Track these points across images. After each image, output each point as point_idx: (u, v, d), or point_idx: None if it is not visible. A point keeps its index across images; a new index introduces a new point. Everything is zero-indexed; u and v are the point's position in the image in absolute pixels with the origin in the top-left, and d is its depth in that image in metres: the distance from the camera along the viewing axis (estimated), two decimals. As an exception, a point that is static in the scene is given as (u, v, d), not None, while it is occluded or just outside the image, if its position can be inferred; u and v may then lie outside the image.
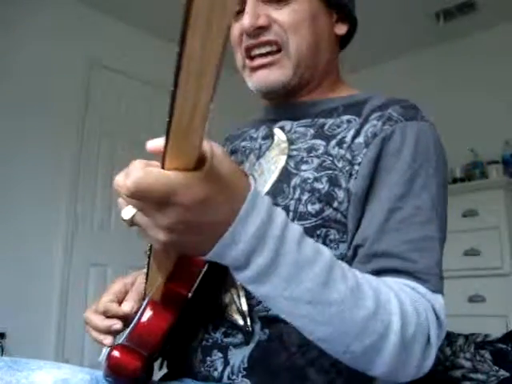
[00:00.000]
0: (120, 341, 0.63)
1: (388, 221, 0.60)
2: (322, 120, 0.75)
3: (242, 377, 0.63)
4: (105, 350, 0.66)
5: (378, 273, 0.58)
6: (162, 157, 0.41)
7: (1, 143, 2.74)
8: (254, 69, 0.76)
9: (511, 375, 1.14)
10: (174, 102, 0.33)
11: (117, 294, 0.71)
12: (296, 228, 0.49)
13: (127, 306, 0.68)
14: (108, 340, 0.66)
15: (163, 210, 0.42)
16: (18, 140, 2.80)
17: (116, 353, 0.58)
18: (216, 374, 0.64)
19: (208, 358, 0.66)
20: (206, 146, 0.42)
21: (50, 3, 3.02)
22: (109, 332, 0.66)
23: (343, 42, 0.86)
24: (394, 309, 0.51)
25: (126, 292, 0.72)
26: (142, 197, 0.41)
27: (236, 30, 0.76)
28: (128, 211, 0.45)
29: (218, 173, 0.43)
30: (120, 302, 0.70)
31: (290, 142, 0.74)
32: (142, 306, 0.63)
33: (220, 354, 0.65)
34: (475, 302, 2.80)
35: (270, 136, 0.78)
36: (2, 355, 2.43)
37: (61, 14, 3.08)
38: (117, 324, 0.66)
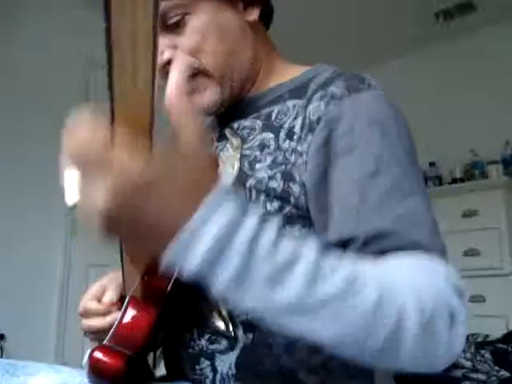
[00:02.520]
0: (104, 341, 0.62)
1: (366, 202, 0.53)
2: (267, 109, 0.70)
3: (234, 382, 0.61)
4: (87, 354, 0.65)
5: (382, 253, 0.50)
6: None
7: (0, 143, 2.73)
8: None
9: (511, 375, 1.14)
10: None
11: (95, 294, 0.70)
12: (272, 225, 0.40)
13: (106, 297, 0.67)
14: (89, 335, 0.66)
15: (97, 183, 0.35)
16: (18, 140, 2.80)
17: (98, 354, 0.56)
18: (208, 381, 0.63)
19: (197, 367, 0.64)
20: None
21: (50, 3, 3.02)
22: (90, 331, 0.67)
23: (265, 21, 0.78)
24: (402, 289, 0.43)
25: (104, 291, 0.70)
26: (73, 150, 0.36)
27: None
28: (72, 173, 0.37)
29: (178, 153, 0.37)
30: (99, 300, 0.69)
31: (242, 140, 0.70)
32: (123, 306, 0.62)
33: (208, 362, 0.63)
34: (475, 302, 2.80)
35: (223, 137, 0.75)
36: (1, 357, 2.43)
37: (61, 14, 3.08)
38: (94, 321, 0.66)
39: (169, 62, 0.68)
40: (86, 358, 0.64)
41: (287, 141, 0.63)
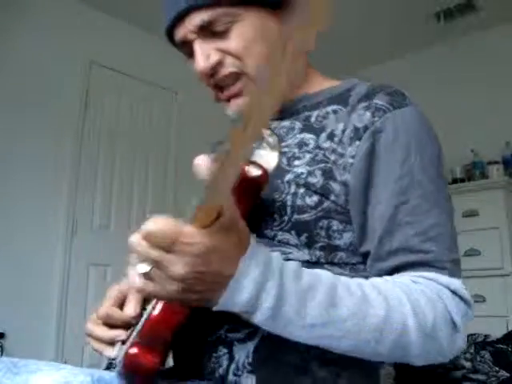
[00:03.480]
0: (131, 339, 0.62)
1: (397, 216, 0.61)
2: (306, 113, 0.74)
3: (247, 372, 0.63)
4: (117, 351, 0.64)
5: (397, 269, 0.60)
6: (194, 216, 0.49)
7: (1, 143, 2.74)
8: (227, 100, 0.76)
9: (511, 376, 1.14)
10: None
11: (117, 299, 0.69)
12: (293, 265, 0.54)
13: (131, 309, 0.66)
14: (109, 352, 0.64)
15: (174, 259, 0.48)
16: (18, 140, 2.80)
17: (134, 350, 0.57)
18: (221, 370, 0.64)
19: (214, 354, 0.65)
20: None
21: (50, 3, 3.02)
22: (112, 343, 0.65)
23: None
24: (405, 307, 0.55)
25: (124, 297, 0.70)
26: (153, 240, 0.48)
27: (196, 70, 0.75)
28: (144, 267, 0.50)
29: (228, 228, 0.50)
30: (121, 307, 0.68)
31: (280, 139, 0.73)
32: (153, 302, 0.62)
33: (225, 350, 0.64)
34: (475, 303, 2.78)
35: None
36: (1, 355, 2.43)
37: (61, 14, 3.08)
38: (122, 335, 0.64)
39: (216, 64, 0.72)
40: (116, 355, 0.63)
41: (328, 141, 0.68)
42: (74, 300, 2.94)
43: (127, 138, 3.37)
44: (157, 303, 0.61)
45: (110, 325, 0.66)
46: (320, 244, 0.65)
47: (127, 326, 0.66)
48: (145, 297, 0.69)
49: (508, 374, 1.15)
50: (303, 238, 0.64)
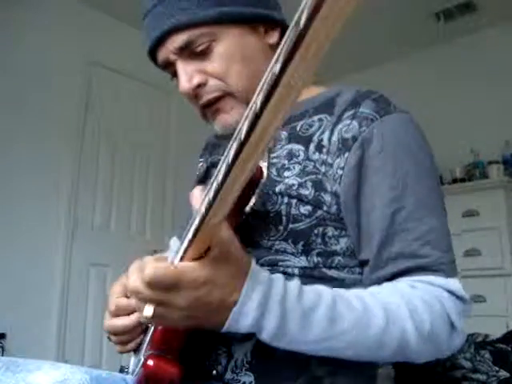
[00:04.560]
0: (142, 351, 0.63)
1: (393, 224, 0.63)
2: (292, 124, 0.74)
3: (246, 370, 0.64)
4: (133, 361, 0.65)
5: (396, 274, 0.63)
6: (183, 249, 0.51)
7: (1, 143, 2.74)
8: (213, 117, 0.78)
9: (511, 376, 1.14)
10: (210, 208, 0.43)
11: (122, 290, 0.72)
12: (293, 285, 0.56)
13: None
14: (131, 345, 0.68)
15: (176, 295, 0.51)
16: (18, 140, 2.80)
17: (151, 362, 0.58)
18: (220, 368, 0.65)
19: (213, 352, 0.66)
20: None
21: (50, 3, 3.02)
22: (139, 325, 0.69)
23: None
24: (404, 315, 0.58)
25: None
26: (155, 287, 0.50)
27: (180, 89, 0.77)
28: (149, 309, 0.52)
29: (223, 257, 0.52)
30: (127, 297, 0.71)
31: (269, 149, 0.73)
32: None
33: (224, 349, 0.66)
34: (475, 303, 2.80)
35: None
36: (2, 356, 2.43)
37: (61, 14, 3.08)
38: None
39: (198, 86, 0.74)
40: (132, 365, 0.64)
41: (316, 153, 0.69)
42: (75, 300, 2.94)
43: (127, 138, 3.37)
44: None
45: (125, 315, 0.70)
46: (317, 250, 0.66)
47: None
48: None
49: (508, 374, 1.15)
50: (300, 246, 0.66)
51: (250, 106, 0.36)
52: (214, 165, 0.86)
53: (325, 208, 0.66)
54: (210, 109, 0.77)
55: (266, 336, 0.55)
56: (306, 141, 0.71)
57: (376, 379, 0.69)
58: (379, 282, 0.64)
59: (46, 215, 2.90)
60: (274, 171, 0.70)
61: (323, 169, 0.67)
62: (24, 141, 2.82)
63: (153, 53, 0.77)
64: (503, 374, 1.13)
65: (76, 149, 3.08)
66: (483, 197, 2.95)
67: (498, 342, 1.30)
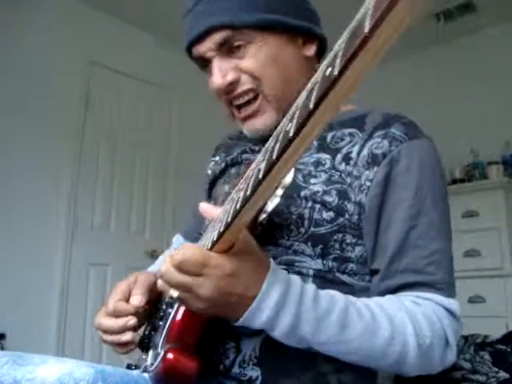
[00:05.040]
0: (160, 344, 0.64)
1: (407, 239, 0.67)
2: (322, 133, 0.76)
3: (253, 365, 0.66)
4: (150, 356, 0.67)
5: (402, 287, 0.67)
6: (211, 243, 0.55)
7: (1, 143, 2.74)
8: (244, 119, 0.79)
9: (511, 376, 1.14)
10: (242, 208, 0.47)
11: (123, 293, 0.73)
12: (310, 289, 0.60)
13: (135, 300, 0.71)
14: (127, 336, 0.69)
15: (201, 281, 0.54)
16: (18, 140, 2.80)
17: (171, 355, 0.60)
18: (227, 361, 0.67)
19: (221, 347, 0.68)
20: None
21: (50, 3, 3.02)
22: (124, 330, 0.69)
23: (320, 55, 0.87)
24: (408, 329, 0.61)
25: (131, 290, 0.74)
26: (184, 268, 0.54)
27: (211, 85, 0.79)
28: (175, 291, 0.57)
29: (246, 252, 0.56)
30: (127, 300, 0.72)
31: None
32: (175, 307, 0.65)
33: (232, 343, 0.68)
34: (475, 303, 2.80)
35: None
36: (1, 355, 2.43)
37: (61, 14, 3.08)
38: (131, 320, 0.69)
39: (231, 83, 0.75)
40: (150, 360, 0.66)
41: (343, 164, 0.72)
42: (75, 300, 2.94)
43: (127, 137, 3.37)
44: (178, 310, 0.64)
45: (118, 317, 0.71)
46: (333, 255, 0.70)
47: (134, 315, 0.71)
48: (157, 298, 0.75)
49: (508, 375, 1.14)
50: (318, 249, 0.69)
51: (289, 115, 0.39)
52: (233, 163, 0.88)
53: (347, 216, 0.70)
54: (241, 111, 0.78)
55: (278, 333, 0.58)
56: (334, 151, 0.74)
57: (377, 377, 0.72)
58: (386, 291, 0.68)
59: (46, 215, 2.90)
60: (300, 177, 0.73)
61: (348, 180, 0.71)
62: (24, 141, 2.82)
63: (189, 48, 0.79)
64: (503, 374, 1.13)
65: (76, 149, 3.08)
66: (483, 197, 2.95)
67: (497, 342, 1.30)
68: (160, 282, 0.61)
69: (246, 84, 0.76)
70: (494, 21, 3.34)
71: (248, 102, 0.77)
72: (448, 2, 3.20)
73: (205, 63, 0.79)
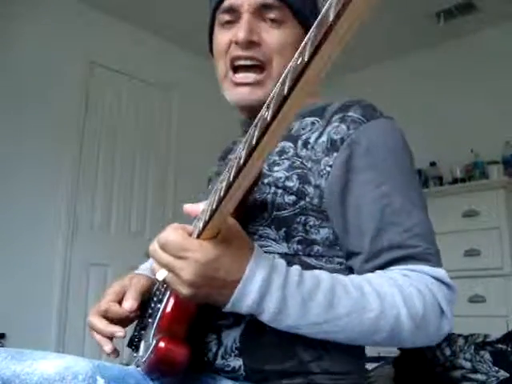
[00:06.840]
0: (151, 336, 0.66)
1: (383, 218, 0.67)
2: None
3: (235, 356, 0.67)
4: (142, 349, 0.69)
5: (389, 263, 0.67)
6: (198, 231, 0.57)
7: (1, 143, 2.74)
8: (236, 84, 0.80)
9: (511, 376, 1.14)
10: (226, 194, 0.48)
11: (117, 294, 0.76)
12: (295, 270, 0.61)
13: (127, 305, 0.74)
14: (108, 347, 0.72)
15: (184, 265, 0.57)
16: (18, 140, 2.80)
17: (162, 344, 0.61)
18: (210, 354, 0.69)
19: (203, 340, 0.70)
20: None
21: (50, 3, 3.02)
22: (111, 338, 0.72)
23: None
24: (398, 301, 0.61)
25: (125, 292, 0.77)
26: (167, 250, 0.58)
27: (225, 38, 0.80)
28: (161, 273, 0.59)
29: (229, 239, 0.58)
30: (120, 302, 0.75)
31: None
32: (166, 297, 0.66)
33: (214, 336, 0.69)
34: (475, 303, 2.80)
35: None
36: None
37: (61, 14, 3.08)
38: (119, 332, 0.72)
39: (251, 43, 0.77)
40: (142, 351, 0.68)
41: (304, 150, 0.74)
42: (75, 300, 2.94)
43: (127, 138, 3.37)
44: (168, 301, 0.65)
45: (109, 318, 0.74)
46: (298, 238, 0.70)
47: (124, 320, 0.75)
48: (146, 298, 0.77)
49: (507, 374, 1.15)
50: (282, 232, 0.70)
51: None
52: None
53: (307, 199, 0.70)
54: (239, 73, 0.79)
55: (266, 317, 0.59)
56: (296, 139, 0.76)
57: (362, 363, 0.74)
58: (373, 270, 0.68)
59: (46, 215, 2.90)
60: (265, 166, 0.74)
61: (309, 164, 0.72)
62: (24, 141, 2.82)
63: None
64: (503, 374, 1.13)
65: (76, 149, 3.08)
66: (483, 197, 2.95)
67: (497, 342, 1.30)
68: (153, 264, 0.63)
69: (261, 53, 0.78)
70: (494, 21, 3.34)
71: (250, 68, 0.78)
72: (448, 1, 3.20)
73: (229, 17, 0.80)
